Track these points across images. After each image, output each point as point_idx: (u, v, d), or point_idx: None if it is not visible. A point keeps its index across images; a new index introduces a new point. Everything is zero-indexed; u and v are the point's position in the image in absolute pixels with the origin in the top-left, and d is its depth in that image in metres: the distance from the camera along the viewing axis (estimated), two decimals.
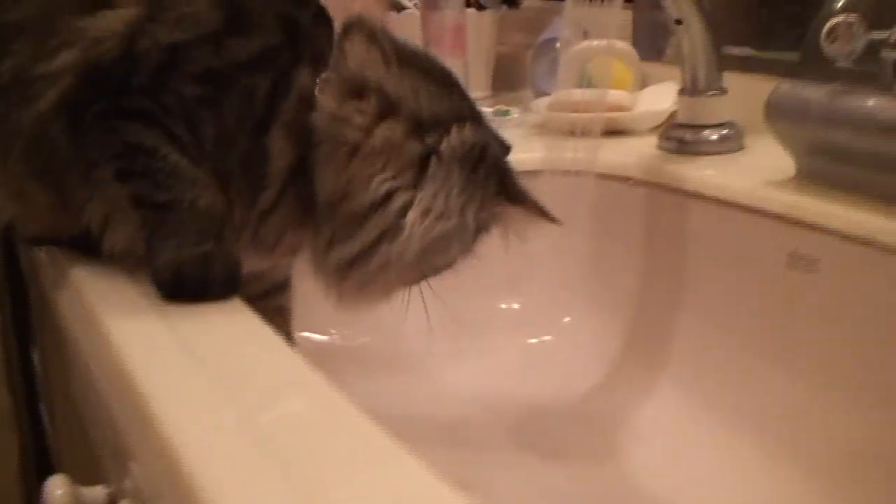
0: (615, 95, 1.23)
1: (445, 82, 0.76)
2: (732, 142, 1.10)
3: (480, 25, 1.57)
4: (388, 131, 0.70)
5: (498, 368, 1.08)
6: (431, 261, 0.74)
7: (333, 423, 0.50)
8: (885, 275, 0.81)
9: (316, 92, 0.70)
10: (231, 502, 0.43)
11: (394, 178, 0.71)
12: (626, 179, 1.10)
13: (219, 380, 0.56)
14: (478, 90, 1.49)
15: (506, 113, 1.36)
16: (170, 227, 0.69)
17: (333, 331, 1.09)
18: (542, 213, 0.77)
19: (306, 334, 1.06)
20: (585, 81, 1.21)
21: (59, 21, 0.69)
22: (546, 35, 1.40)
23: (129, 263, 0.71)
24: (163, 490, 0.50)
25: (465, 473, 0.91)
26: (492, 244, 0.76)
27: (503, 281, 1.11)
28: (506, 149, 0.78)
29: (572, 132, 1.07)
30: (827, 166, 0.91)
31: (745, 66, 1.19)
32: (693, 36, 1.08)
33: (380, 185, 0.70)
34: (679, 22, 1.07)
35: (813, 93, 0.91)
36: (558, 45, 1.28)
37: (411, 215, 0.71)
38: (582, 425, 1.00)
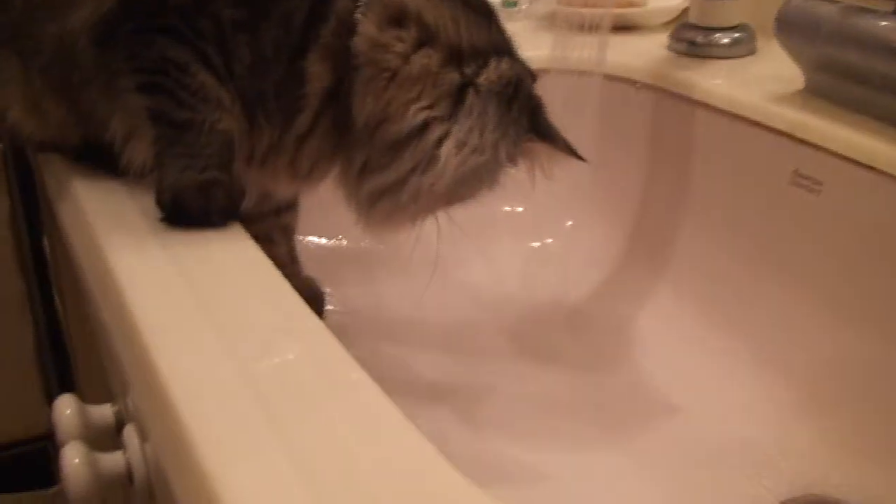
0: None
1: (485, 13, 0.75)
2: (744, 46, 1.08)
3: None
4: (425, 59, 0.70)
5: (500, 272, 1.09)
6: (460, 192, 0.74)
7: (323, 370, 0.52)
8: (886, 199, 0.81)
9: (357, 15, 0.69)
10: (217, 437, 0.46)
11: (430, 107, 0.71)
12: (633, 82, 1.08)
13: (213, 317, 0.57)
14: None
15: (512, 4, 1.33)
16: (182, 147, 0.69)
17: (340, 235, 1.09)
18: (569, 150, 0.77)
19: (313, 238, 1.07)
20: None
21: None
22: None
23: (146, 180, 0.72)
24: (154, 420, 0.53)
25: (466, 379, 0.94)
26: None
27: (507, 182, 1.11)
28: (534, 78, 0.77)
29: (581, 27, 1.04)
30: (835, 84, 0.90)
31: None
32: None
33: (416, 113, 0.70)
34: None
35: (824, 9, 0.89)
36: None
37: (446, 148, 0.71)
38: (581, 331, 1.02)
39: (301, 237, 0.93)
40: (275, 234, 0.86)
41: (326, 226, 1.07)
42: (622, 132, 1.10)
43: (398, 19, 0.70)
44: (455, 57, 0.71)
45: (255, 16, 0.68)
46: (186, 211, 0.69)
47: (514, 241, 1.13)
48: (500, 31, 0.76)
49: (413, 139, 0.71)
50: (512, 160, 0.75)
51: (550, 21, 1.25)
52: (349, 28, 0.69)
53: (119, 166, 0.72)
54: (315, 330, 0.55)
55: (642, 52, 1.11)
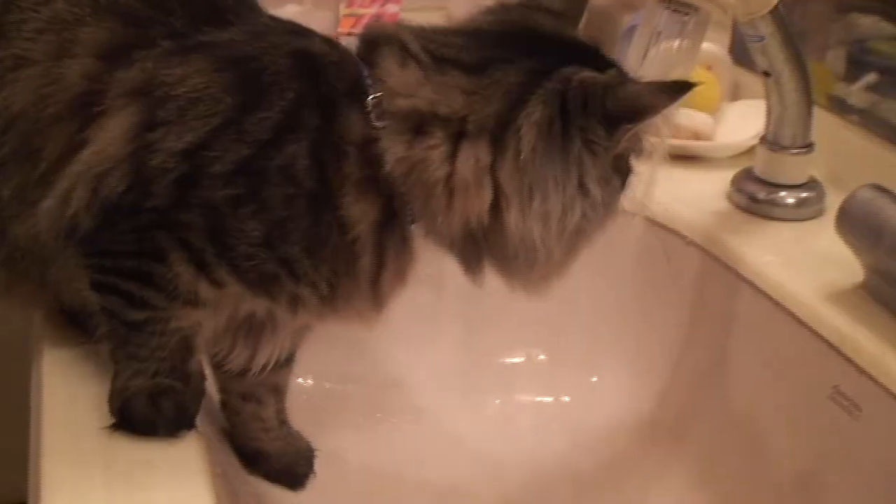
0: (694, 119, 1.11)
1: (483, 59, 0.64)
2: (810, 208, 0.99)
3: None
4: (471, 157, 0.61)
5: (509, 428, 1.03)
6: (574, 247, 0.65)
7: None
8: None
9: (378, 138, 0.62)
10: None
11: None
12: (682, 236, 0.99)
13: None
14: None
15: None
16: (133, 348, 0.65)
17: (329, 380, 1.03)
18: (670, 94, 0.64)
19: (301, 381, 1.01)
20: None
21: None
22: (636, 20, 1.25)
23: None
24: None
25: None
26: None
27: (532, 325, 1.04)
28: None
29: None
30: (893, 296, 0.81)
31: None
32: (783, 90, 0.95)
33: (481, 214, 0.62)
34: (767, 74, 0.94)
35: (892, 214, 0.79)
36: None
37: (513, 224, 0.62)
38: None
39: None
40: (262, 394, 0.79)
41: (314, 367, 1.00)
42: (664, 286, 1.01)
43: (418, 127, 0.62)
44: (491, 136, 0.61)
45: (256, 183, 0.61)
46: (133, 420, 0.64)
47: (529, 393, 1.06)
48: (511, 57, 0.64)
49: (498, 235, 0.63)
50: (605, 181, 0.64)
51: None
52: (375, 155, 0.62)
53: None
54: None
55: (697, 199, 1.02)
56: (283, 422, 0.83)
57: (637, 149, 0.67)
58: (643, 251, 0.99)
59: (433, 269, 1.04)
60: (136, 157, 0.60)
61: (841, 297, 0.84)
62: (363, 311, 0.67)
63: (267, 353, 0.73)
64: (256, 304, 0.67)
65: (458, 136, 0.62)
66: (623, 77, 0.65)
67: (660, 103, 0.63)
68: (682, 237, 0.99)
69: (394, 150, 0.62)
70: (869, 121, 1.05)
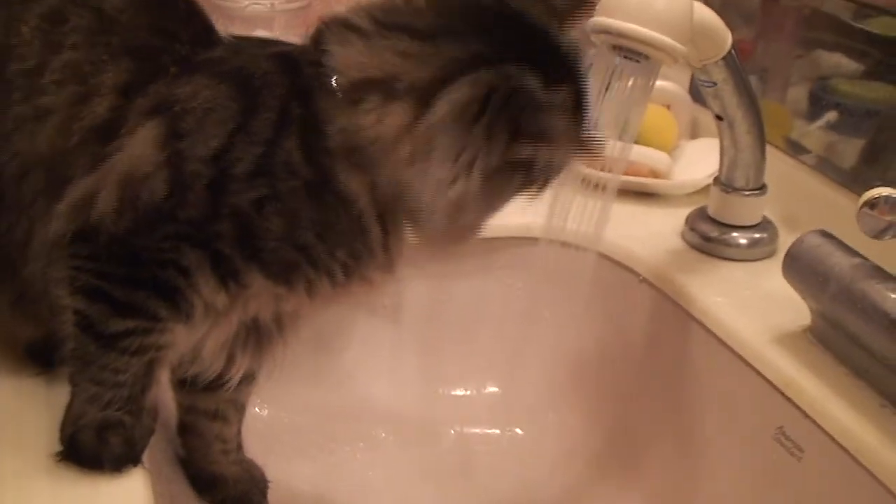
0: (650, 157, 1.12)
1: (437, 28, 0.66)
2: (762, 248, 1.01)
3: None
4: (396, 115, 0.64)
5: (461, 459, 1.04)
6: (455, 217, 0.67)
7: None
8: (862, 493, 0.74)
9: (334, 114, 0.65)
10: None
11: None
12: (635, 273, 1.01)
13: None
14: None
15: None
16: (96, 370, 0.65)
17: (285, 409, 1.04)
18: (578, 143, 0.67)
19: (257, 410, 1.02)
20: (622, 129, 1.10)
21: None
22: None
23: None
24: None
25: None
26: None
27: (487, 356, 1.05)
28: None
29: (585, 185, 0.92)
30: (838, 340, 0.83)
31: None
32: (736, 134, 0.97)
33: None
34: (720, 118, 0.96)
35: (836, 261, 0.81)
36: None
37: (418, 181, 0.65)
38: None
39: None
40: (229, 411, 0.82)
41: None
42: (619, 321, 1.03)
43: (356, 92, 0.65)
44: (420, 98, 0.63)
45: (272, 180, 0.64)
46: (80, 453, 0.65)
47: (482, 425, 1.07)
48: (460, 39, 0.65)
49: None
50: (496, 174, 0.66)
51: None
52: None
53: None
54: None
55: (652, 236, 1.04)
56: (239, 445, 0.84)
57: (550, 166, 0.68)
58: (598, 287, 1.00)
59: (390, 300, 1.05)
60: (172, 164, 0.63)
61: (788, 340, 0.86)
62: (378, 279, 0.71)
63: (273, 359, 0.76)
64: (265, 305, 0.70)
65: (388, 96, 0.64)
66: (557, 99, 0.66)
67: (563, 152, 0.67)
68: (636, 274, 1.01)
69: (337, 122, 0.64)
70: (824, 164, 1.07)
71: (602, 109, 0.89)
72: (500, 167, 0.65)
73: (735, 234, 1.00)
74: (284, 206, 0.64)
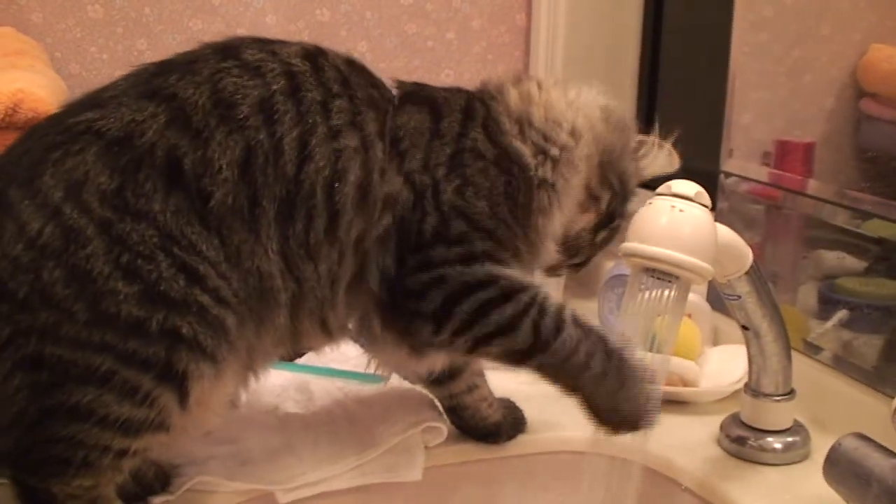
0: (680, 366, 1.17)
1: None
2: (797, 451, 1.04)
3: None
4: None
5: None
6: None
7: None
8: None
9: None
10: None
11: None
12: (676, 483, 1.03)
13: None
14: None
15: None
16: None
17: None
18: None
19: None
20: (651, 341, 1.14)
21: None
22: (617, 269, 1.33)
23: None
24: None
25: None
26: None
27: None
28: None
29: None
30: None
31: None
32: (762, 343, 1.01)
33: None
34: (745, 328, 1.01)
35: (876, 461, 0.84)
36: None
37: None
38: None
39: None
40: (477, 380, 1.05)
41: None
42: None
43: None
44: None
45: (464, 169, 0.91)
46: None
47: None
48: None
49: None
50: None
51: None
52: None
53: None
54: None
55: (690, 445, 1.07)
56: (492, 393, 1.07)
57: None
58: (643, 498, 1.01)
59: None
60: (410, 182, 0.88)
61: None
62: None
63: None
64: None
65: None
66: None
67: None
68: (678, 484, 1.03)
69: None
70: (843, 364, 1.11)
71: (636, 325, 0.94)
72: None
73: (770, 439, 1.03)
74: (478, 186, 0.88)
